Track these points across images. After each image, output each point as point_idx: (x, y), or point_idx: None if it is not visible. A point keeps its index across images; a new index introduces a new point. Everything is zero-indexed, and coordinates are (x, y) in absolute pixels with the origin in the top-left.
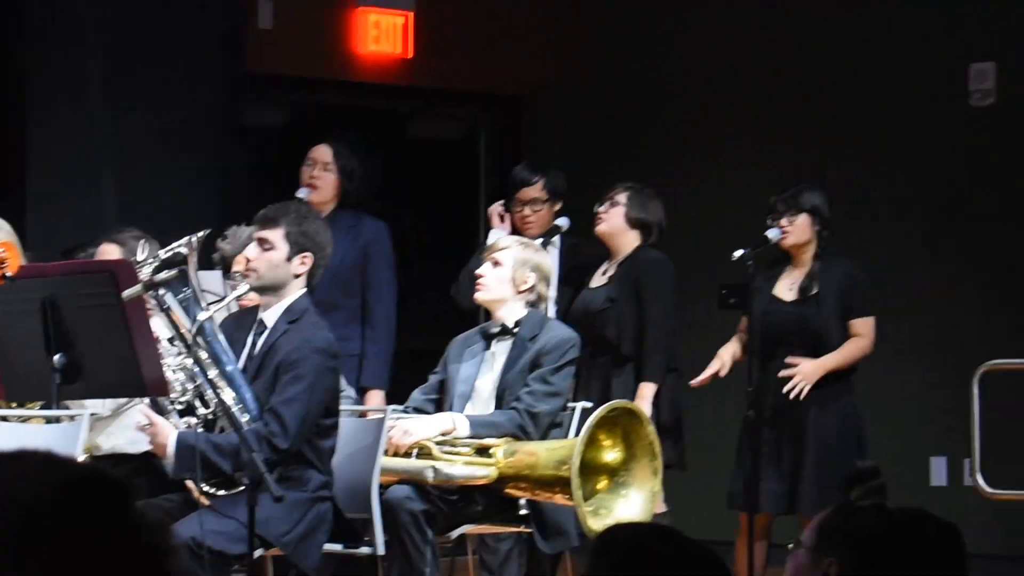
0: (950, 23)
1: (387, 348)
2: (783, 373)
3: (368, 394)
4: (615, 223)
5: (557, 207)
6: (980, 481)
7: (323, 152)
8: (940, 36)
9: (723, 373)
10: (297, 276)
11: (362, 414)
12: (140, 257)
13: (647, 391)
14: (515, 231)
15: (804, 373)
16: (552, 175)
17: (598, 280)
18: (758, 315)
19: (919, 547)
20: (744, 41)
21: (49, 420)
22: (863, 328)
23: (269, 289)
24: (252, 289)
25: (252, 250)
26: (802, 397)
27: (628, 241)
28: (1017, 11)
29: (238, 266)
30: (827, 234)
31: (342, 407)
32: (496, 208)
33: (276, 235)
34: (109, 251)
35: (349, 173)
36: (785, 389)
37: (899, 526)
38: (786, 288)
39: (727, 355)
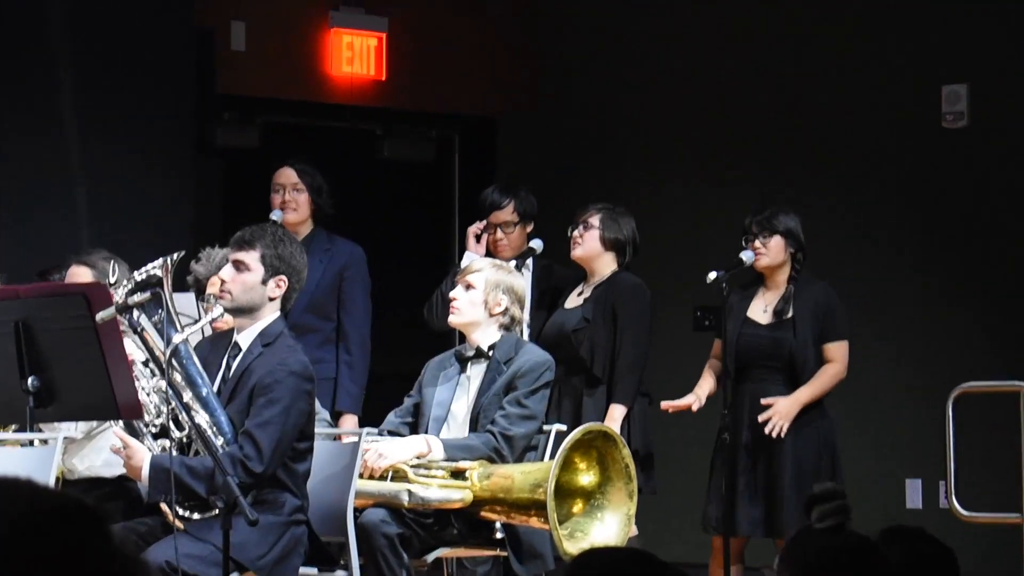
0: (922, 45)
1: (362, 372)
2: (761, 417)
3: (343, 418)
4: (591, 247)
5: (529, 228)
6: (955, 504)
7: (288, 175)
8: (913, 58)
9: (695, 408)
10: (272, 299)
11: (337, 437)
12: (112, 279)
13: (617, 413)
14: (489, 253)
15: (781, 412)
16: (522, 197)
17: (573, 301)
18: (732, 337)
19: (870, 568)
20: (719, 63)
21: (23, 443)
22: (837, 352)
23: (243, 311)
24: (226, 311)
25: (227, 272)
26: (782, 435)
27: (604, 263)
28: (989, 33)
29: (212, 288)
30: (801, 257)
31: (317, 430)
32: (474, 229)
33: (252, 257)
34: (80, 273)
35: (317, 189)
36: (766, 430)
37: (846, 547)
38: (760, 310)
39: (703, 392)
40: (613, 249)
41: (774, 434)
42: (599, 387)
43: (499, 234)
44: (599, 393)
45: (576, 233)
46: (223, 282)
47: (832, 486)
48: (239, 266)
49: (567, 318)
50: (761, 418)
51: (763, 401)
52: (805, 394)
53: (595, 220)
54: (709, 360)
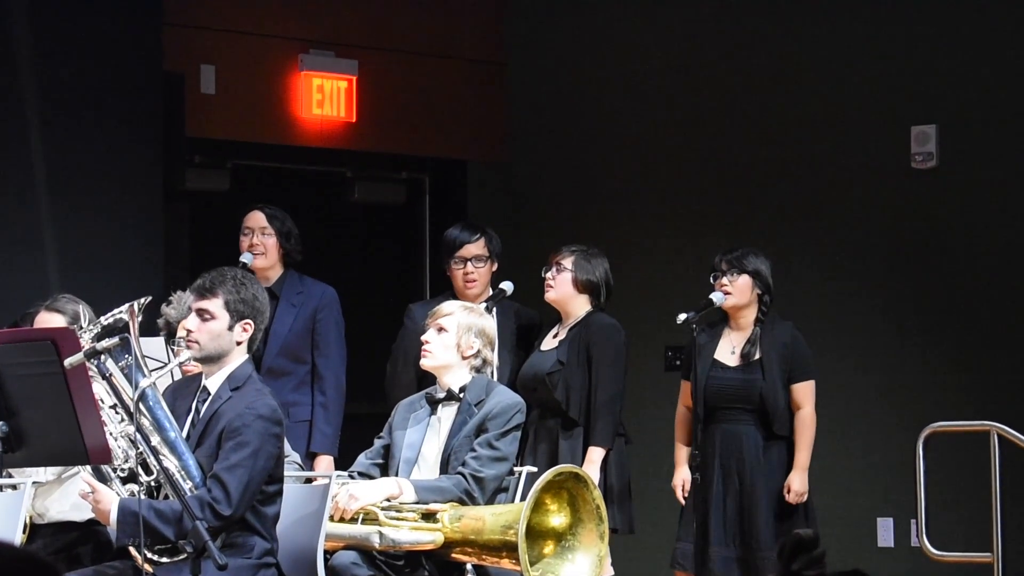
0: (892, 86)
1: (337, 413)
2: (794, 501)
3: (317, 460)
4: (564, 290)
5: (494, 268)
6: (926, 543)
7: (257, 218)
8: (882, 99)
9: (684, 491)
10: (239, 343)
11: (307, 479)
12: (84, 323)
13: (596, 455)
14: (452, 293)
15: (798, 492)
16: (490, 234)
17: (548, 343)
18: (701, 379)
19: None
20: (689, 107)
21: None
22: (804, 393)
23: (212, 359)
24: (195, 360)
25: (192, 321)
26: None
27: (578, 305)
28: (958, 74)
29: (183, 331)
30: (768, 300)
31: (287, 473)
32: None
33: (215, 305)
34: (48, 320)
35: (286, 234)
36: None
37: None
38: (727, 352)
39: (685, 468)
40: (586, 291)
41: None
42: (575, 429)
43: (469, 267)
44: (575, 435)
45: (549, 275)
46: (189, 332)
47: (814, 533)
48: (203, 314)
49: (542, 361)
50: (792, 499)
51: (786, 493)
52: (805, 457)
53: (568, 262)
54: (677, 409)
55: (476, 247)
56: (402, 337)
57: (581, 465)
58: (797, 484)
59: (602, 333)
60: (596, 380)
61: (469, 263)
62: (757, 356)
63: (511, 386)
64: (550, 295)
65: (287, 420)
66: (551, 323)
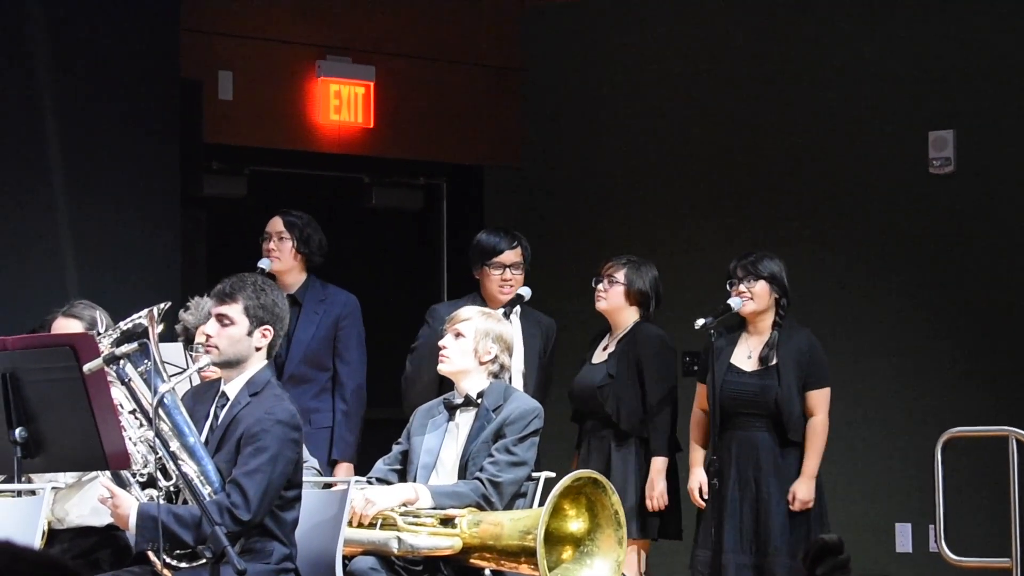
0: (909, 92)
1: (358, 420)
2: (798, 508)
3: (338, 467)
4: (615, 302)
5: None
6: (944, 548)
7: (276, 223)
8: (900, 104)
9: (697, 493)
10: (258, 349)
11: (325, 485)
12: (101, 328)
13: (659, 464)
14: (480, 297)
15: (803, 500)
16: (524, 241)
17: (598, 356)
18: (717, 384)
19: None
20: (704, 112)
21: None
22: (819, 400)
23: (231, 364)
24: (215, 365)
25: (211, 327)
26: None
27: (627, 316)
28: (975, 80)
29: (201, 337)
30: (785, 303)
31: (305, 478)
32: None
33: (235, 310)
34: (66, 326)
35: (305, 240)
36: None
37: None
38: (744, 356)
39: (700, 470)
40: (637, 302)
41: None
42: (627, 441)
43: (508, 274)
44: (627, 447)
45: (601, 287)
46: (208, 337)
47: (839, 538)
48: (223, 320)
49: (593, 374)
50: (797, 507)
51: (790, 499)
52: (813, 465)
53: (620, 274)
54: (693, 411)
55: (514, 254)
56: (425, 336)
57: (638, 476)
58: (803, 492)
59: (650, 345)
60: (649, 392)
61: (508, 269)
62: (774, 361)
63: (540, 393)
64: (601, 306)
65: (308, 427)
66: (600, 334)
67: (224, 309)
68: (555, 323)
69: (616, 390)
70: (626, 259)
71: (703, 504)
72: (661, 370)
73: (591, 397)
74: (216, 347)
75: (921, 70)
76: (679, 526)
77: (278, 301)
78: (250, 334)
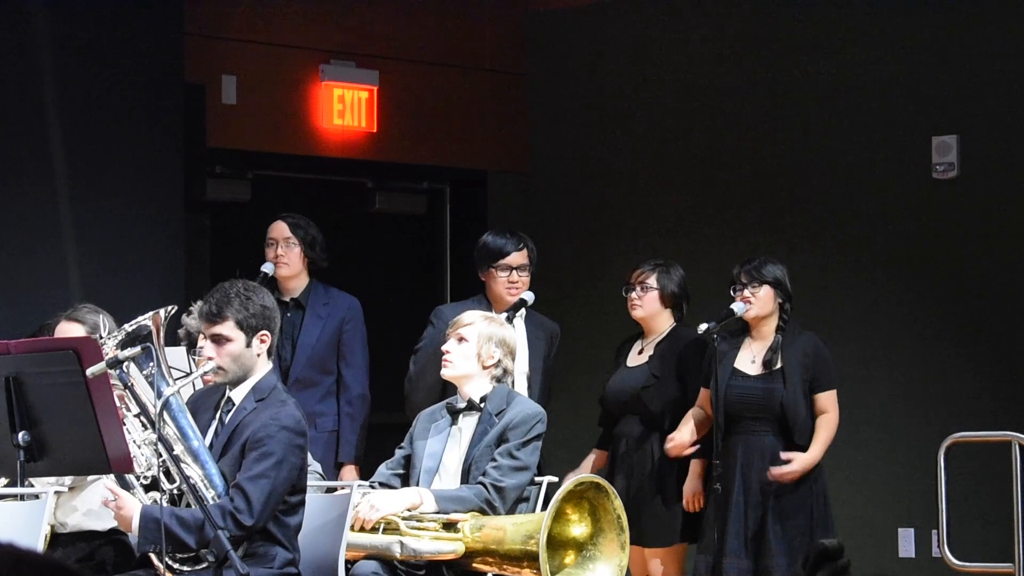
0: (913, 96)
1: (363, 424)
2: (777, 471)
3: (344, 469)
4: (651, 308)
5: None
6: (947, 553)
7: (280, 229)
8: (903, 109)
9: (678, 444)
10: (259, 355)
11: (329, 489)
12: (104, 332)
13: (699, 468)
14: (486, 299)
15: (796, 471)
16: (530, 243)
17: (635, 359)
18: (721, 389)
19: None
20: (709, 117)
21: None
22: (828, 402)
23: (240, 379)
24: (226, 383)
25: (210, 348)
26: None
27: (663, 320)
28: (979, 85)
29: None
30: (788, 307)
31: (309, 483)
32: None
33: (228, 327)
34: (69, 330)
35: (310, 242)
36: (776, 476)
37: None
38: (748, 361)
39: (686, 430)
40: (671, 305)
41: (780, 481)
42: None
43: (514, 276)
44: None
45: (634, 295)
46: (210, 358)
47: (839, 543)
48: (218, 339)
49: (634, 376)
50: (776, 471)
51: (783, 455)
52: (819, 451)
53: (652, 280)
54: (692, 412)
55: (520, 256)
56: (430, 337)
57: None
58: (796, 465)
59: (692, 347)
60: (691, 393)
61: (515, 271)
62: (779, 365)
63: (543, 397)
64: (638, 314)
65: (313, 431)
66: (629, 339)
67: (217, 329)
68: (559, 328)
69: (660, 391)
70: (653, 263)
71: (695, 508)
72: (701, 370)
73: (632, 399)
74: (223, 368)
75: (925, 75)
76: (699, 530)
77: (266, 302)
78: (249, 345)
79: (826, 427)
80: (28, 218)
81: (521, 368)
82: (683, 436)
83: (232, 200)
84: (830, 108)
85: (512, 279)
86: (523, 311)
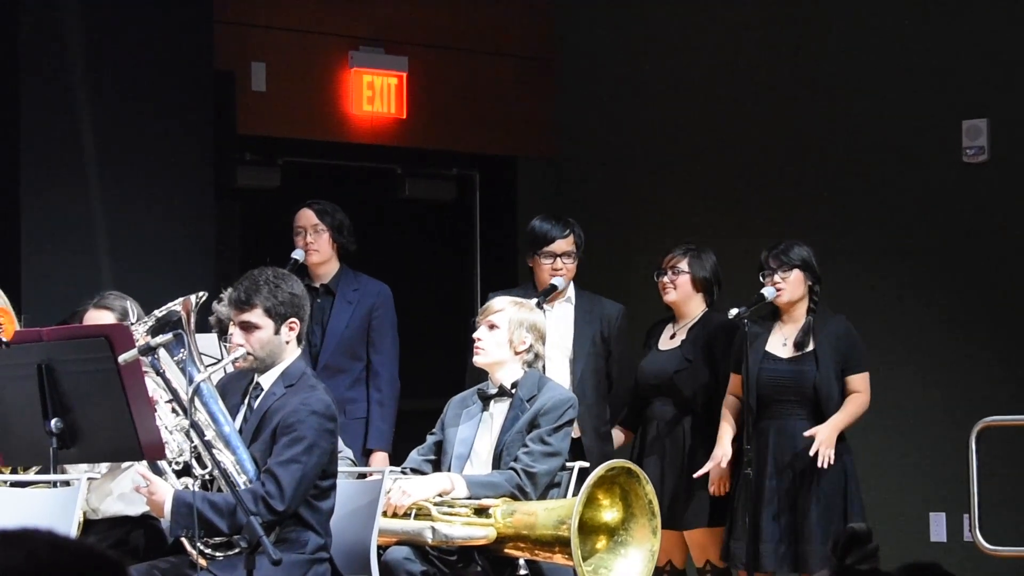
0: (943, 80)
1: (393, 410)
2: (812, 451)
3: (373, 456)
4: (684, 291)
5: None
6: (979, 538)
7: (308, 216)
8: (933, 93)
9: (724, 464)
10: (288, 342)
11: (360, 475)
12: (133, 319)
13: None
14: (534, 286)
15: (824, 441)
16: (577, 229)
17: (667, 343)
18: (753, 372)
19: None
20: (737, 100)
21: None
22: (861, 384)
23: (268, 365)
24: (255, 368)
25: (239, 336)
26: (832, 462)
27: (695, 305)
28: (1009, 68)
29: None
30: (818, 288)
31: (340, 468)
32: None
33: (256, 315)
34: (98, 317)
35: (338, 228)
36: (819, 463)
37: None
38: (779, 344)
39: (727, 442)
40: (703, 289)
41: (824, 465)
42: (707, 426)
43: (559, 263)
44: (702, 430)
45: (666, 279)
46: (240, 345)
47: (868, 527)
48: (247, 327)
49: (667, 360)
50: (812, 451)
51: (806, 434)
52: (841, 419)
53: (684, 264)
54: (725, 399)
55: (566, 243)
56: None
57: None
58: (825, 435)
59: (723, 332)
60: (722, 377)
61: (559, 259)
62: (811, 347)
63: (596, 379)
64: (670, 298)
65: (343, 417)
66: (660, 322)
67: (246, 316)
68: (622, 308)
69: (693, 375)
70: (684, 248)
71: (720, 492)
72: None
73: (665, 382)
74: (252, 355)
75: (955, 58)
76: (725, 514)
77: (295, 290)
78: (277, 332)
79: (855, 402)
80: (60, 206)
81: (564, 353)
82: (724, 450)
83: (262, 187)
84: (859, 91)
85: (556, 266)
86: (572, 295)
